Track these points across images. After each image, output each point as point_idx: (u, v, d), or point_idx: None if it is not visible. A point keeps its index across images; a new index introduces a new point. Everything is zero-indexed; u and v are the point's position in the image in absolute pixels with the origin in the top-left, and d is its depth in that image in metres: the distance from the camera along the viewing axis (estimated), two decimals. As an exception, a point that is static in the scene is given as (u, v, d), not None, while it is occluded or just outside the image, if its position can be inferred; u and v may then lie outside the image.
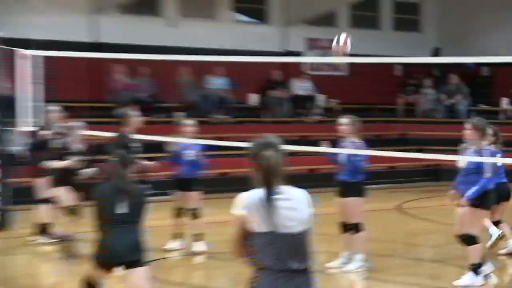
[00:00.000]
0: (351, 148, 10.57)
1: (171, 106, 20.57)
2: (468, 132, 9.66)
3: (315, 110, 22.74)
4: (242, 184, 17.74)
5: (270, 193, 4.61)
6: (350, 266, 10.60)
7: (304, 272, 4.64)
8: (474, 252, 9.45)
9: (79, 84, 19.79)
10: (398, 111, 24.47)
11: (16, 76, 13.39)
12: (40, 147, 12.42)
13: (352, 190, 10.55)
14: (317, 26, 24.32)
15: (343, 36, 10.31)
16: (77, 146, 12.34)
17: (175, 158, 11.58)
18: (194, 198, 11.60)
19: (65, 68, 18.33)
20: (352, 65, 24.29)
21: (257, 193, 4.64)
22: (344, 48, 10.37)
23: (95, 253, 7.22)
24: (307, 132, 21.02)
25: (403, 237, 13.49)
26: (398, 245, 12.89)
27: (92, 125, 14.57)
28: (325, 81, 23.80)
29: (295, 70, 23.01)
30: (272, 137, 4.86)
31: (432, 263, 11.65)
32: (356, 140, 10.65)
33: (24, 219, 13.29)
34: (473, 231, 9.44)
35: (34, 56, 13.19)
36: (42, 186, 12.31)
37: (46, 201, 12.21)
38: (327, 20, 24.46)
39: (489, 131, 10.18)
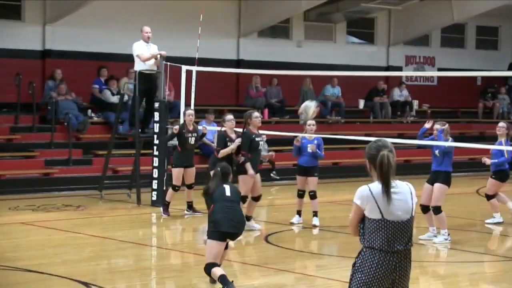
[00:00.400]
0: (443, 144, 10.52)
1: (295, 110, 20.68)
2: None
3: (410, 113, 22.44)
4: (350, 172, 17.94)
5: (386, 188, 4.50)
6: (437, 239, 10.49)
7: (406, 253, 4.58)
8: None
9: (226, 92, 20.18)
10: (478, 113, 23.95)
11: (179, 87, 13.78)
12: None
13: (442, 178, 10.43)
14: (414, 45, 24.01)
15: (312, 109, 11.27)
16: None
17: (299, 150, 11.67)
18: (313, 182, 11.65)
19: (215, 80, 18.75)
20: (440, 76, 24.06)
21: (373, 187, 4.55)
22: (315, 114, 11.41)
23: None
24: (404, 131, 20.79)
25: (480, 216, 13.19)
26: (476, 222, 12.63)
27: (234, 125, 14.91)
28: (418, 90, 23.53)
29: (395, 81, 22.79)
30: (384, 140, 4.69)
31: (504, 237, 11.39)
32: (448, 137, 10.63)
33: (179, 197, 13.55)
34: None
35: (192, 71, 13.55)
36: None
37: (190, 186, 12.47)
38: (422, 40, 24.11)
39: None
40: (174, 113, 15.95)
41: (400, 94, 22.39)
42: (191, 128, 12.39)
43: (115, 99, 16.79)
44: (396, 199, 4.52)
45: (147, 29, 13.94)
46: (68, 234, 10.72)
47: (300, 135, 11.71)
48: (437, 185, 10.38)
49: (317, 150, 11.51)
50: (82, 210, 13.06)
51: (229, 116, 11.67)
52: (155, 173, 13.42)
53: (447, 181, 10.43)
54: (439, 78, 24.26)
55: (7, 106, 16.95)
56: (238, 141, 10.95)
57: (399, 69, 23.53)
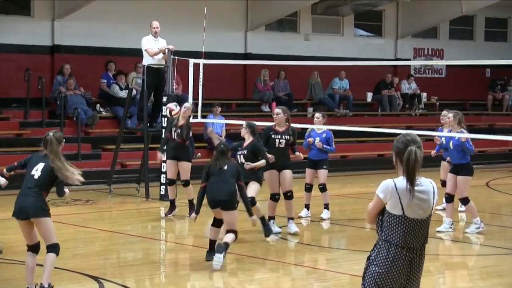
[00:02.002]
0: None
1: (303, 103, 20.66)
2: None
3: (419, 106, 22.34)
4: (359, 165, 17.85)
5: (410, 184, 4.43)
6: (469, 229, 10.58)
7: (421, 249, 4.56)
8: None
9: (234, 85, 20.14)
10: (487, 106, 23.80)
11: (187, 81, 13.73)
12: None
13: (464, 170, 10.41)
14: (422, 38, 23.89)
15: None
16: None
17: (308, 144, 11.59)
18: (322, 175, 11.57)
19: (223, 74, 18.72)
20: (449, 69, 23.88)
21: (398, 182, 4.48)
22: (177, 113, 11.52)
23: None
24: (413, 123, 20.72)
25: (490, 208, 13.14)
26: (486, 215, 12.56)
27: (241, 118, 14.86)
28: (427, 82, 23.41)
29: (403, 73, 22.68)
30: (414, 135, 4.57)
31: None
32: (460, 129, 10.50)
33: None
34: None
35: (200, 65, 13.50)
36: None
37: None
38: (430, 33, 23.98)
39: None
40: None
41: (408, 87, 22.30)
42: (181, 122, 11.48)
43: (123, 93, 16.78)
44: (419, 197, 4.47)
45: (155, 23, 13.91)
46: (77, 229, 10.72)
47: (310, 126, 11.66)
48: (460, 177, 10.42)
49: (325, 144, 11.43)
50: (91, 204, 13.07)
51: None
52: (164, 167, 13.39)
53: (470, 172, 10.46)
54: (448, 70, 24.12)
55: (17, 101, 16.98)
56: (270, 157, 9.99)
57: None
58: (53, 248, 6.88)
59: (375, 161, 19.13)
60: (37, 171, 6.95)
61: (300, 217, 11.63)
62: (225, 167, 8.53)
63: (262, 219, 9.76)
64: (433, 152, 11.60)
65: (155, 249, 10.05)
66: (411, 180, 4.42)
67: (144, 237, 10.42)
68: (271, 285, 7.99)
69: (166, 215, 11.83)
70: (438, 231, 10.45)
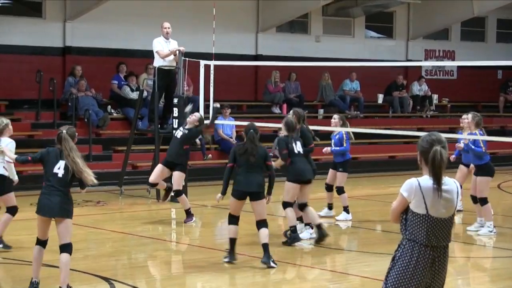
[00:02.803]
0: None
1: (314, 104, 20.65)
2: None
3: (430, 107, 22.29)
4: (369, 167, 17.79)
5: (437, 184, 4.45)
6: (481, 231, 10.68)
7: (444, 248, 4.58)
8: None
9: (245, 87, 20.17)
10: (499, 107, 23.73)
11: (198, 82, 13.76)
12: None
13: (483, 170, 10.49)
14: (433, 39, 23.84)
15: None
16: None
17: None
18: (337, 178, 11.54)
19: (234, 76, 18.75)
20: (460, 70, 23.84)
21: (422, 181, 4.50)
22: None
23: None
24: (424, 125, 20.67)
25: (502, 210, 13.10)
26: (497, 217, 12.49)
27: (252, 120, 14.84)
28: (438, 84, 23.36)
29: (414, 75, 22.65)
30: (439, 134, 4.59)
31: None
32: (476, 131, 10.59)
33: (199, 192, 13.62)
34: None
35: (211, 66, 13.53)
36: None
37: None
38: (442, 34, 23.93)
39: None
40: (193, 108, 15.96)
41: (419, 89, 22.26)
42: (186, 126, 11.38)
43: (134, 95, 16.84)
44: (444, 197, 4.49)
45: (166, 24, 13.95)
46: (88, 230, 10.77)
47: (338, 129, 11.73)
48: (479, 177, 10.57)
49: (333, 147, 11.43)
50: (102, 205, 13.12)
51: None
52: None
53: (489, 172, 10.56)
54: (459, 72, 24.07)
55: (29, 102, 17.06)
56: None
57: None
58: (67, 248, 7.08)
59: (386, 163, 19.10)
60: (59, 169, 7.10)
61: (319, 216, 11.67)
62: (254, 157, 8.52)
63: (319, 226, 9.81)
64: (452, 157, 11.60)
65: (166, 250, 10.07)
66: (438, 180, 4.45)
67: (155, 238, 10.45)
68: (283, 287, 8.01)
69: (187, 220, 11.44)
70: (479, 234, 10.68)
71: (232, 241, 8.69)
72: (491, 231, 10.63)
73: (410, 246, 4.53)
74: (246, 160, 8.54)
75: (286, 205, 9.64)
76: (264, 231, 8.56)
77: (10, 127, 9.04)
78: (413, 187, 4.49)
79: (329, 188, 11.69)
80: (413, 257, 4.50)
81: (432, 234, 4.50)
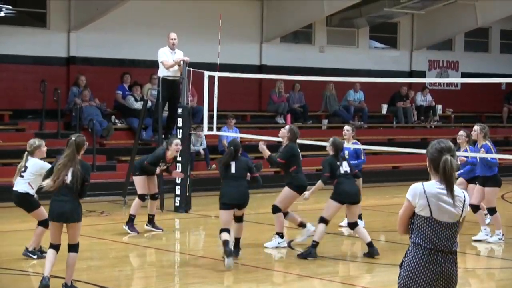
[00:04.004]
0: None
1: (318, 115, 20.64)
2: None
3: (434, 118, 22.28)
4: (372, 177, 17.72)
5: (450, 190, 4.47)
6: (491, 239, 10.80)
7: (451, 253, 4.57)
8: None
9: (249, 97, 20.17)
10: (502, 118, 23.72)
11: (202, 92, 13.75)
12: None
13: (490, 181, 10.56)
14: (437, 50, 23.85)
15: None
16: None
17: None
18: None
19: (238, 86, 18.73)
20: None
21: (428, 186, 4.52)
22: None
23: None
24: (428, 135, 20.64)
25: (505, 221, 12.99)
26: (502, 228, 12.44)
27: (256, 130, 14.85)
28: (442, 94, 23.36)
29: (418, 85, 22.63)
30: (448, 142, 4.62)
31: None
32: (485, 142, 10.63)
33: (203, 202, 13.61)
34: None
35: (215, 77, 13.52)
36: None
37: None
38: (446, 45, 23.95)
39: None
40: (197, 118, 15.96)
41: (423, 99, 22.25)
42: (171, 156, 11.20)
43: (138, 105, 16.83)
44: (449, 203, 4.52)
45: (173, 35, 13.97)
46: (91, 240, 10.73)
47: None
48: (488, 188, 10.67)
49: (353, 159, 11.29)
50: (105, 216, 13.09)
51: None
52: (178, 179, 13.40)
53: (497, 183, 10.71)
54: (463, 82, 24.05)
55: (33, 112, 17.06)
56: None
57: (423, 73, 23.36)
58: (75, 248, 7.53)
59: (389, 173, 19.05)
60: (67, 176, 7.38)
61: (341, 226, 11.73)
62: (233, 170, 9.07)
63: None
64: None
65: (170, 260, 10.03)
66: (450, 188, 4.50)
67: (158, 248, 10.41)
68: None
69: (131, 230, 11.23)
70: (489, 242, 10.76)
71: (226, 242, 8.84)
72: (500, 239, 10.83)
73: (415, 249, 4.54)
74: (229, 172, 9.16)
75: (321, 220, 9.63)
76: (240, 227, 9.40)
77: (43, 149, 9.07)
78: (417, 190, 4.53)
79: None
80: (420, 262, 4.50)
81: (436, 237, 4.51)
